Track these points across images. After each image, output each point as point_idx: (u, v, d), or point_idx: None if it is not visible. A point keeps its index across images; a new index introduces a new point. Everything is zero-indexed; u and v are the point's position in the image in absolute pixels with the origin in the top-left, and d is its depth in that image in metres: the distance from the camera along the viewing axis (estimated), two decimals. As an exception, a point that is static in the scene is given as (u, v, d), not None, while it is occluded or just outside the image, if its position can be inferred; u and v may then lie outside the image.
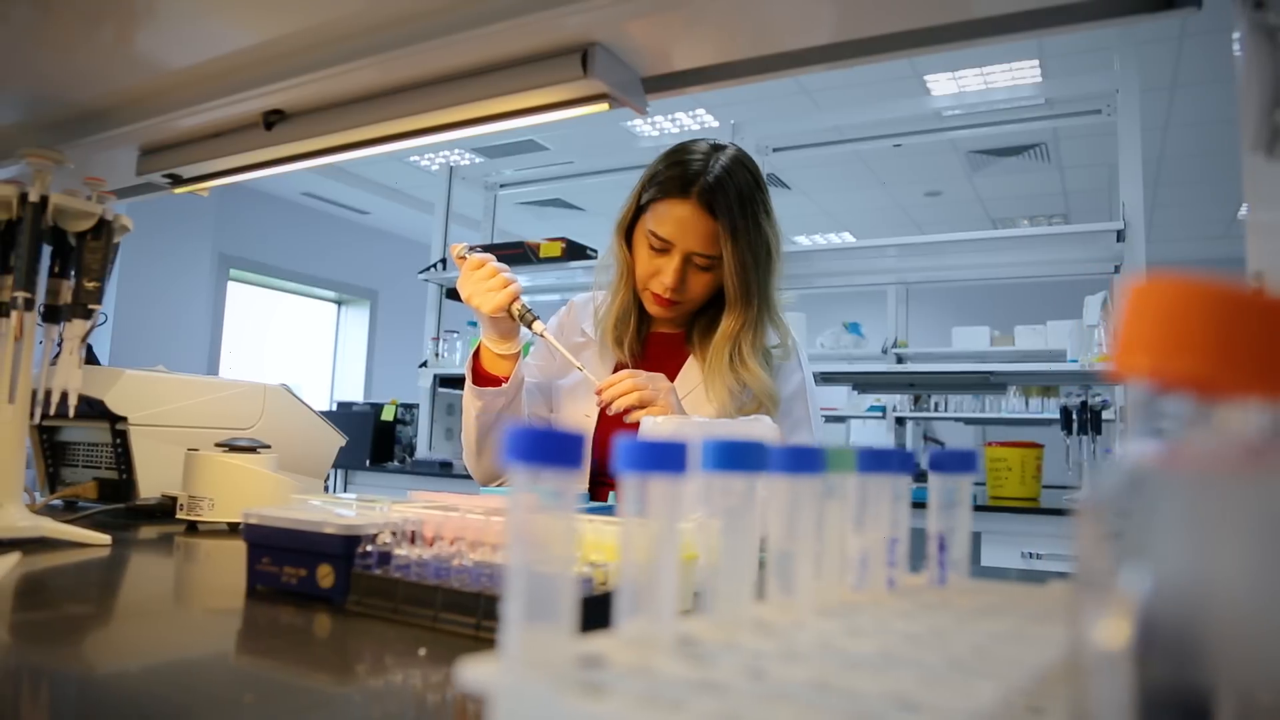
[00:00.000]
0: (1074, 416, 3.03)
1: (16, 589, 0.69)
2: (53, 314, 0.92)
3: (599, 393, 1.10)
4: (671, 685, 0.25)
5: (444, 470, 3.70)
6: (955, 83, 4.54)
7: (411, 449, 4.07)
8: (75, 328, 0.88)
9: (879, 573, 0.38)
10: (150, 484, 1.16)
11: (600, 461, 1.27)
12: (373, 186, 6.49)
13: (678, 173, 1.19)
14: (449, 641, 0.54)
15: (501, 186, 4.46)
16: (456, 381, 4.11)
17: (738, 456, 0.33)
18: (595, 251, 3.83)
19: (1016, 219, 6.81)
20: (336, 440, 1.41)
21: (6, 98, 1.02)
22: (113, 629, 0.63)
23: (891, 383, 4.30)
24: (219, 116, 0.96)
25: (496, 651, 0.27)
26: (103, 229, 0.88)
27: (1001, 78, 4.53)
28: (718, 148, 1.23)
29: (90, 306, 0.88)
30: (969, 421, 6.37)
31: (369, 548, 0.63)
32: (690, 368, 1.29)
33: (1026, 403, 5.65)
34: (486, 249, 3.96)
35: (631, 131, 5.20)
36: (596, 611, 0.59)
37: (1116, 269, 3.43)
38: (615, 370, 1.31)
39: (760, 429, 0.80)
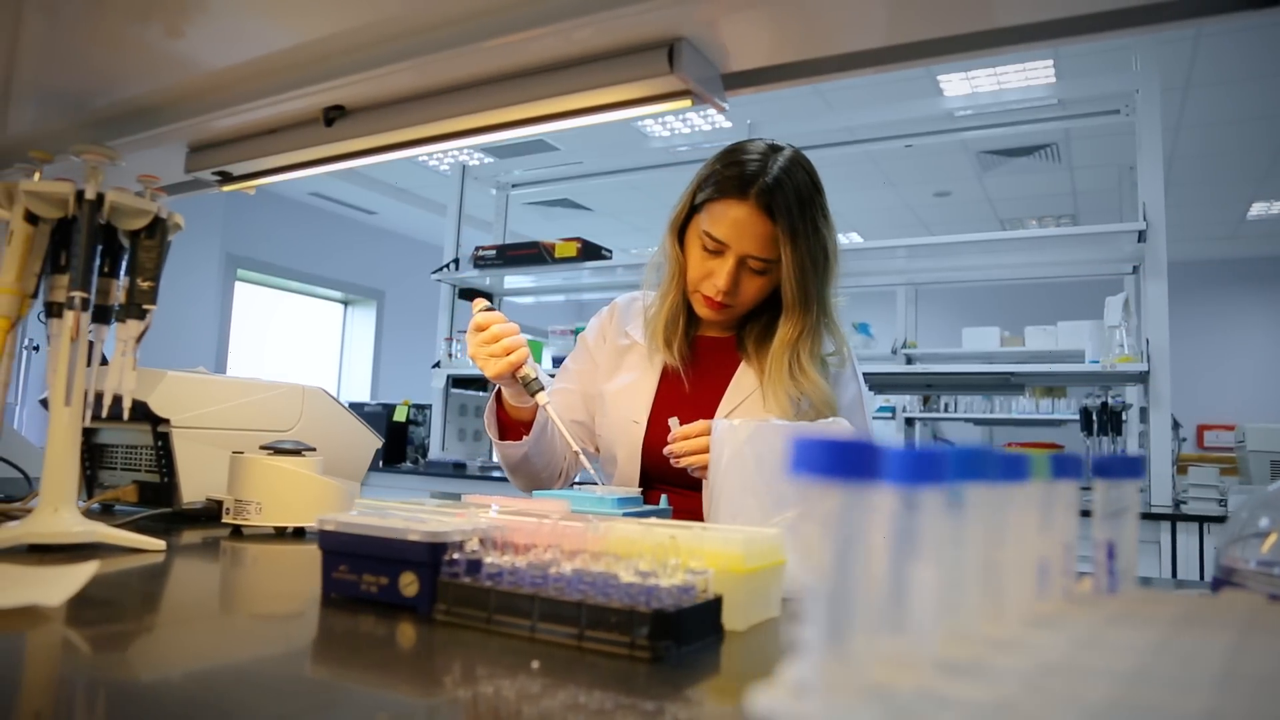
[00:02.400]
0: (1093, 417, 3.01)
1: (79, 596, 0.67)
2: (102, 314, 0.90)
3: (671, 440, 1.08)
4: (988, 711, 0.23)
5: (458, 471, 3.68)
6: (968, 83, 4.52)
7: (424, 450, 4.05)
8: (130, 328, 0.86)
9: (1058, 581, 0.36)
10: (191, 487, 1.14)
11: (651, 467, 1.25)
12: (380, 186, 6.47)
13: (735, 172, 1.16)
14: (549, 652, 0.53)
15: (514, 186, 4.44)
16: (470, 382, 4.09)
17: (965, 465, 0.31)
18: (610, 252, 3.81)
19: (1025, 219, 6.80)
20: (373, 442, 1.40)
21: (53, 94, 1.01)
22: (184, 637, 0.61)
23: (909, 383, 4.29)
24: (275, 113, 0.94)
25: (785, 679, 0.25)
26: (157, 227, 0.87)
27: (1015, 78, 4.52)
28: (775, 148, 1.20)
29: (145, 307, 0.86)
30: (978, 422, 6.36)
31: (456, 555, 0.61)
32: (743, 374, 1.26)
33: (1037, 404, 5.64)
34: (500, 250, 3.96)
35: (642, 132, 5.19)
36: (700, 621, 0.57)
37: (1134, 269, 3.42)
38: (662, 376, 1.28)
39: (839, 431, 0.78)
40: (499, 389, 1.22)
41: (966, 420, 6.13)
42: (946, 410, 5.93)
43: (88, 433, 1.26)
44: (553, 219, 6.91)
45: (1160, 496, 2.79)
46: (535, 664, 0.50)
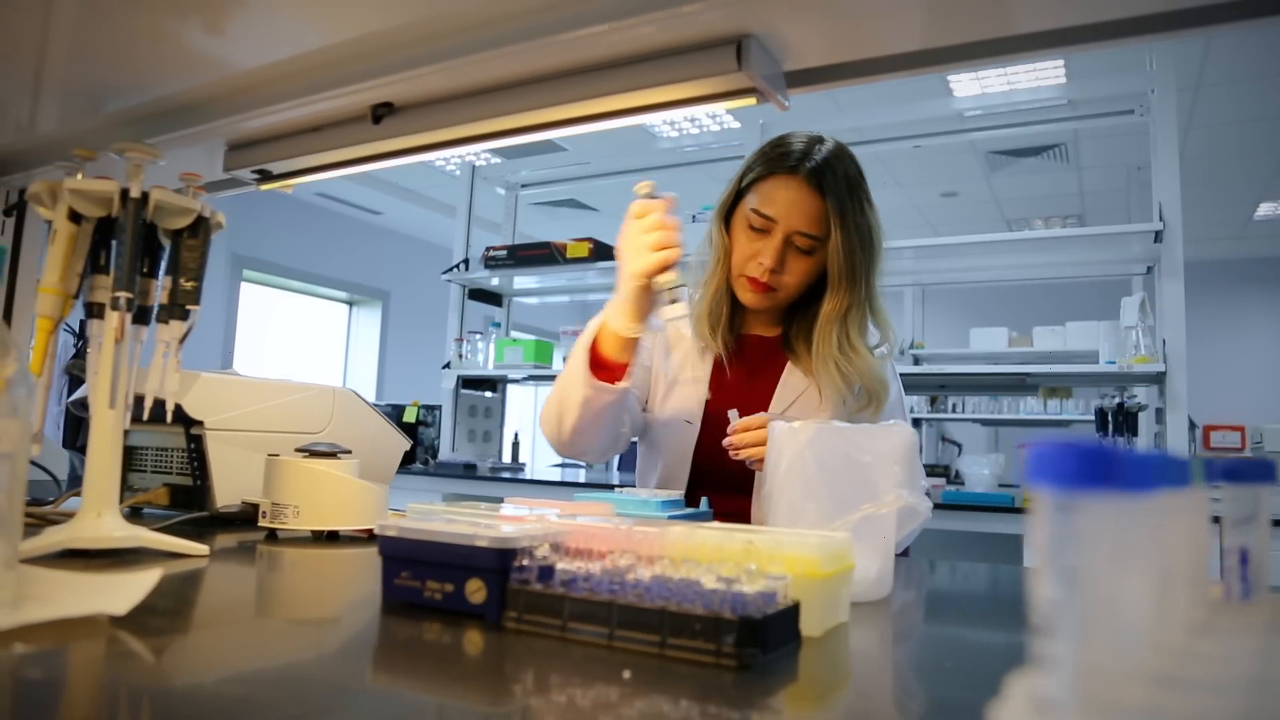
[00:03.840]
0: (1109, 418, 3.00)
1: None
2: (141, 315, 0.88)
3: (731, 432, 1.07)
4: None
5: (468, 472, 3.66)
6: (978, 83, 4.51)
7: (434, 451, 4.03)
8: (173, 329, 0.84)
9: (1203, 588, 0.35)
10: (224, 490, 1.13)
11: (701, 469, 1.24)
12: (386, 187, 6.46)
13: (784, 152, 1.18)
14: (627, 660, 0.51)
15: (523, 187, 4.43)
16: (480, 383, 4.08)
17: (1156, 471, 0.29)
18: (622, 252, 3.79)
19: (1031, 220, 6.78)
20: (401, 444, 1.38)
21: (87, 91, 0.99)
22: (239, 644, 0.59)
23: (922, 384, 4.27)
24: (320, 110, 0.93)
25: (1023, 695, 0.23)
26: (200, 226, 0.85)
27: (1025, 78, 4.50)
28: (820, 138, 1.22)
29: (189, 307, 0.85)
30: (985, 423, 6.34)
31: (526, 561, 0.59)
32: (791, 373, 1.26)
33: (1045, 404, 5.62)
34: (510, 250, 3.95)
35: (650, 132, 5.17)
36: (782, 627, 0.56)
37: (1148, 270, 3.41)
38: (714, 369, 1.27)
39: (903, 434, 0.76)
40: (597, 327, 1.08)
41: (974, 421, 6.11)
42: (954, 411, 5.91)
43: (117, 434, 1.24)
44: (558, 219, 6.90)
45: (1177, 498, 2.78)
46: (627, 674, 0.49)
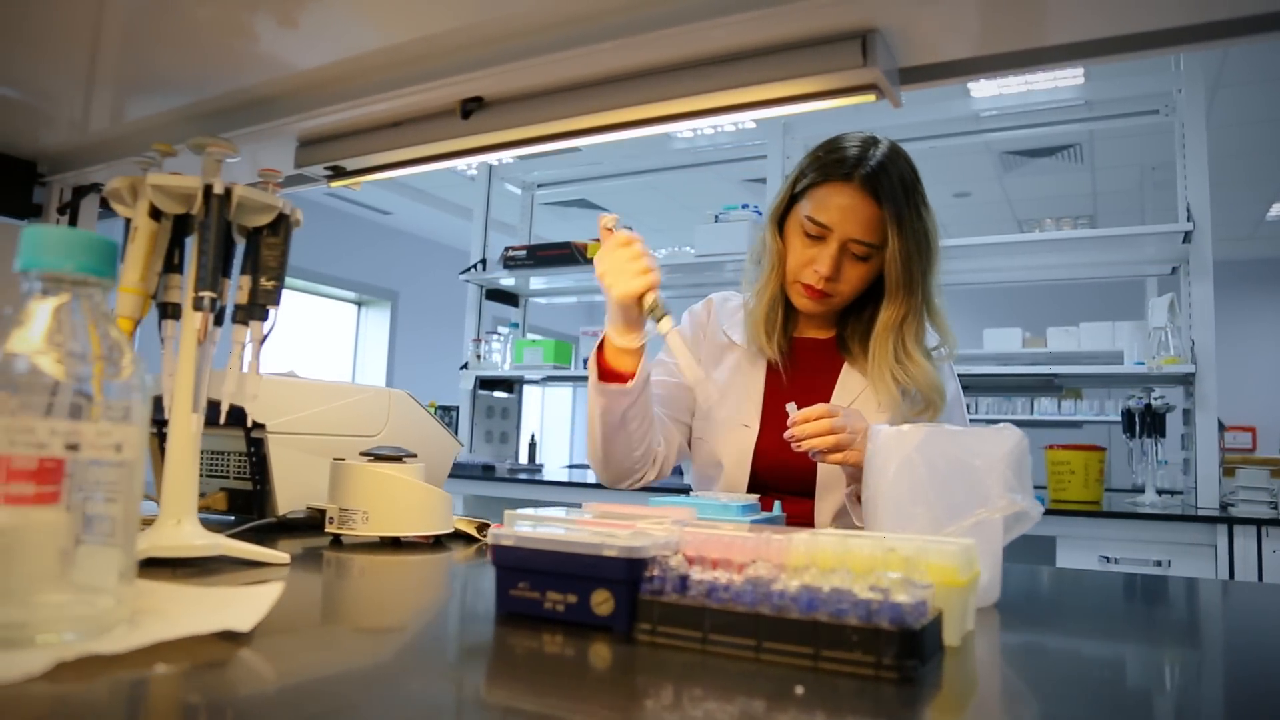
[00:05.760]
0: (1136, 419, 2.98)
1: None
2: (215, 316, 0.86)
3: (792, 424, 1.05)
4: None
5: (487, 474, 3.64)
6: (996, 84, 4.49)
7: (451, 452, 4.00)
8: (253, 330, 0.82)
9: None
10: (285, 494, 1.10)
11: (762, 472, 1.22)
12: (397, 187, 6.43)
13: (838, 158, 1.15)
14: (772, 672, 0.49)
15: (539, 186, 4.41)
16: (496, 383, 4.05)
17: None
18: (642, 252, 3.77)
19: (1042, 220, 6.77)
20: (454, 446, 1.36)
21: (143, 88, 0.97)
22: (346, 656, 0.57)
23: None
24: (402, 105, 0.90)
25: None
26: (280, 224, 0.83)
27: (1043, 79, 4.48)
28: (874, 139, 1.19)
29: (269, 308, 0.82)
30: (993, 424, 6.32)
31: (657, 571, 0.57)
32: (848, 375, 1.24)
33: (1059, 405, 5.61)
34: (530, 250, 3.93)
35: (666, 133, 5.15)
36: (933, 637, 0.54)
37: (1173, 270, 3.39)
38: (768, 373, 1.25)
39: (1013, 437, 0.74)
40: (601, 343, 1.14)
41: (988, 421, 6.09)
42: (969, 411, 5.89)
43: (171, 437, 1.22)
44: (568, 219, 6.88)
45: (1208, 498, 2.76)
46: (799, 689, 0.46)
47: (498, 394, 4.08)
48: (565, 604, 0.60)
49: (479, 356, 3.94)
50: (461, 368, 3.96)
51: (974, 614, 0.65)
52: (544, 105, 0.85)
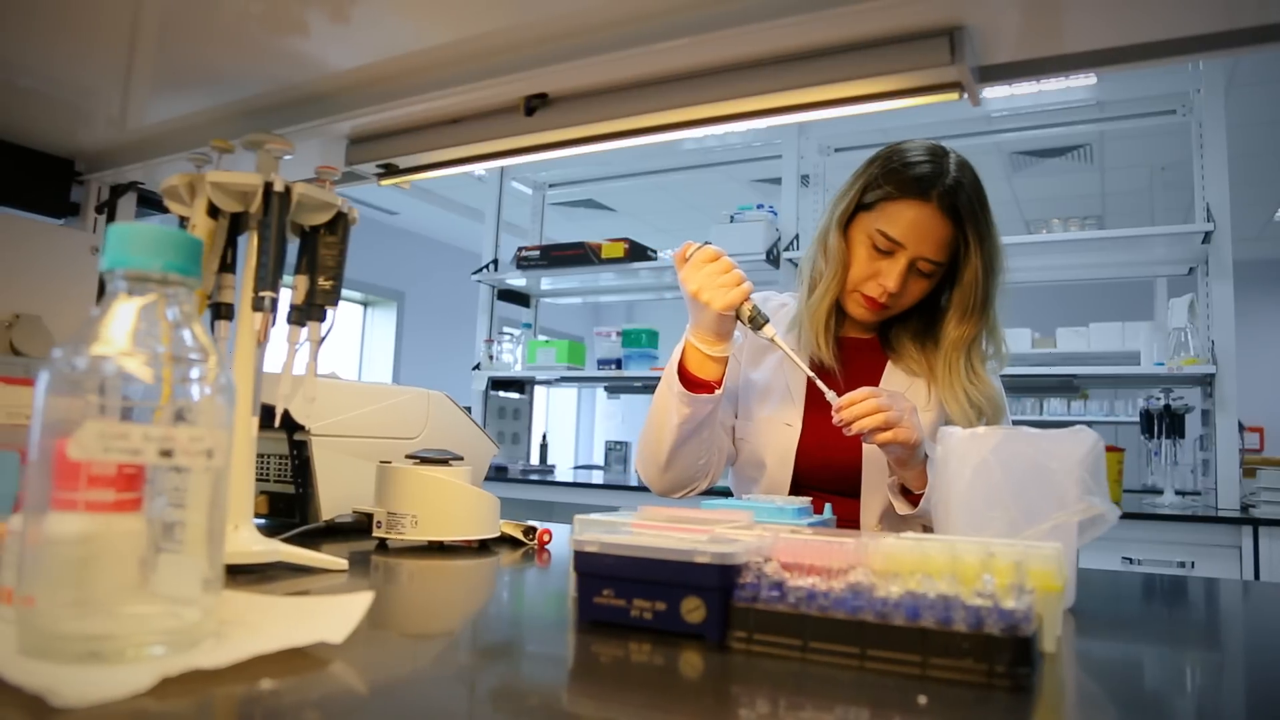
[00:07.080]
0: (1154, 420, 2.97)
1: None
2: (264, 317, 0.84)
3: (838, 410, 1.03)
4: None
5: (499, 474, 3.63)
6: (1007, 85, 4.48)
7: (463, 453, 3.98)
8: (312, 331, 0.81)
9: None
10: (327, 497, 1.09)
11: (805, 472, 1.21)
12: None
13: (912, 174, 1.14)
14: (875, 680, 0.48)
15: (550, 186, 4.40)
16: (508, 384, 4.04)
17: None
18: (656, 253, 3.76)
19: (1050, 220, 6.76)
20: (490, 449, 1.35)
21: (185, 84, 0.95)
22: (414, 662, 0.56)
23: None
24: (462, 101, 0.88)
25: None
26: (338, 222, 0.82)
27: (1054, 79, 4.47)
28: (943, 150, 1.18)
29: (327, 308, 0.81)
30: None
31: (750, 578, 0.56)
32: (892, 373, 1.23)
33: (1069, 405, 5.60)
34: (543, 250, 3.91)
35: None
36: (1038, 644, 0.53)
37: (1190, 270, 3.38)
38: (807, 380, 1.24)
39: (1088, 439, 0.73)
40: (682, 352, 1.14)
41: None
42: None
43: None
44: (575, 219, 6.87)
45: (1228, 499, 2.75)
46: (922, 699, 0.45)
47: (508, 394, 4.06)
48: (654, 611, 0.59)
49: (491, 357, 3.93)
50: (474, 368, 3.95)
51: (1061, 619, 0.64)
52: (610, 103, 0.84)
